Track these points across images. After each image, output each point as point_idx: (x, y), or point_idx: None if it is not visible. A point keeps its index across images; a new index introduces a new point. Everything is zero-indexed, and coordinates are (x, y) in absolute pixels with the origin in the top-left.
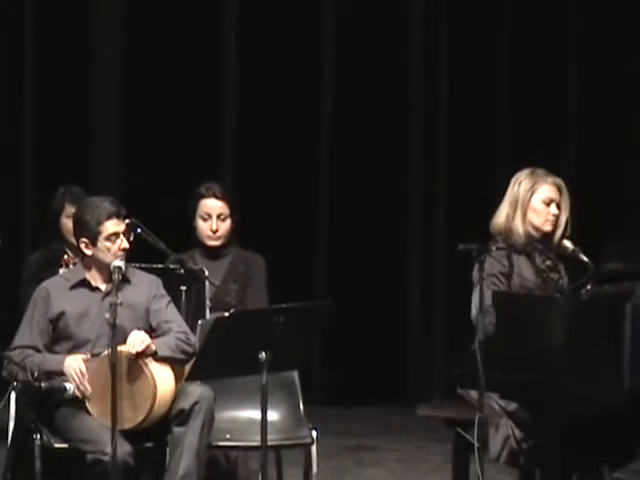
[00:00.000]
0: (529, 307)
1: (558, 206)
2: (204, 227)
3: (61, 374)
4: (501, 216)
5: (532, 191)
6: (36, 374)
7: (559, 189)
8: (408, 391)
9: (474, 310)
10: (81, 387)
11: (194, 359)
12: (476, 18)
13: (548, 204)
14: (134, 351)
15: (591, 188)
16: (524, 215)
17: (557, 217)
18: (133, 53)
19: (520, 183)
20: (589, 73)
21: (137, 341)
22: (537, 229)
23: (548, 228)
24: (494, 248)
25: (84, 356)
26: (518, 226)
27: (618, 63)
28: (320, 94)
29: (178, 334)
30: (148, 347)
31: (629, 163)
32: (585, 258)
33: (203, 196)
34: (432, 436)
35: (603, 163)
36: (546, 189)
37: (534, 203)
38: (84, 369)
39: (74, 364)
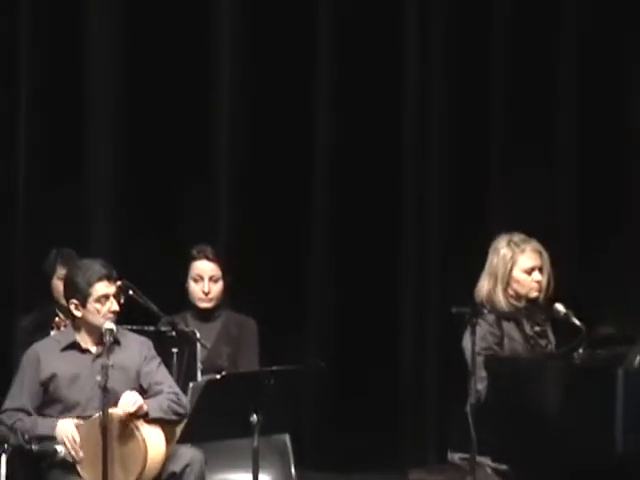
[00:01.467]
0: (521, 370)
1: (540, 271)
2: (196, 289)
3: (52, 439)
4: (483, 289)
5: (512, 262)
6: (27, 437)
7: (539, 253)
8: (401, 456)
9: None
10: (72, 453)
11: (185, 421)
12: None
13: (530, 272)
14: (127, 411)
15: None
16: (505, 287)
17: (541, 282)
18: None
19: (499, 254)
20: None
21: (130, 402)
22: (521, 298)
23: (534, 295)
24: (486, 311)
25: (76, 421)
26: (500, 299)
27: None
28: (308, 155)
29: (169, 395)
30: (140, 408)
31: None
32: (577, 322)
33: (195, 258)
34: None
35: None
36: (527, 258)
37: (516, 274)
38: (76, 435)
39: (66, 430)
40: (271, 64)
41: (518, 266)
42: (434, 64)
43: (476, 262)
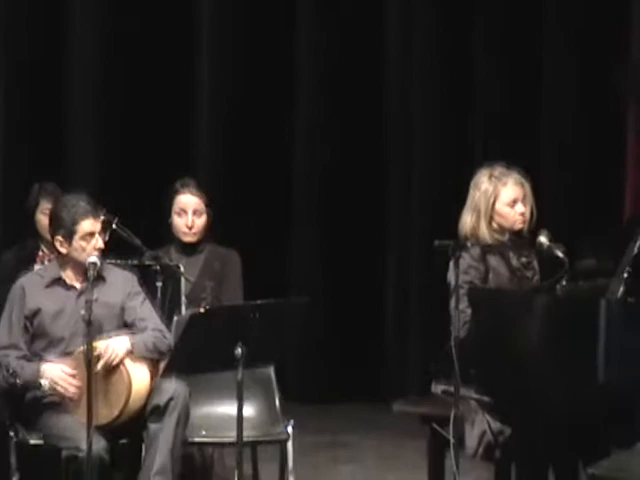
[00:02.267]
0: (504, 303)
1: (523, 202)
2: (179, 223)
3: (38, 385)
4: (466, 224)
5: (495, 196)
6: (11, 371)
7: (521, 185)
8: (384, 387)
9: (452, 310)
10: (69, 390)
11: (170, 355)
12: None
13: (513, 205)
14: (107, 365)
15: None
16: (489, 222)
17: (524, 214)
18: (109, 47)
19: (480, 188)
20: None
21: (113, 353)
22: (506, 231)
23: (519, 227)
24: (469, 244)
25: (61, 366)
26: (484, 233)
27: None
28: (294, 86)
29: (154, 332)
30: (126, 352)
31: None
32: (560, 254)
33: (178, 192)
34: (408, 432)
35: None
36: (509, 191)
37: (499, 208)
38: (67, 369)
39: (54, 372)
40: (246, 56)
41: (500, 199)
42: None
43: (462, 194)
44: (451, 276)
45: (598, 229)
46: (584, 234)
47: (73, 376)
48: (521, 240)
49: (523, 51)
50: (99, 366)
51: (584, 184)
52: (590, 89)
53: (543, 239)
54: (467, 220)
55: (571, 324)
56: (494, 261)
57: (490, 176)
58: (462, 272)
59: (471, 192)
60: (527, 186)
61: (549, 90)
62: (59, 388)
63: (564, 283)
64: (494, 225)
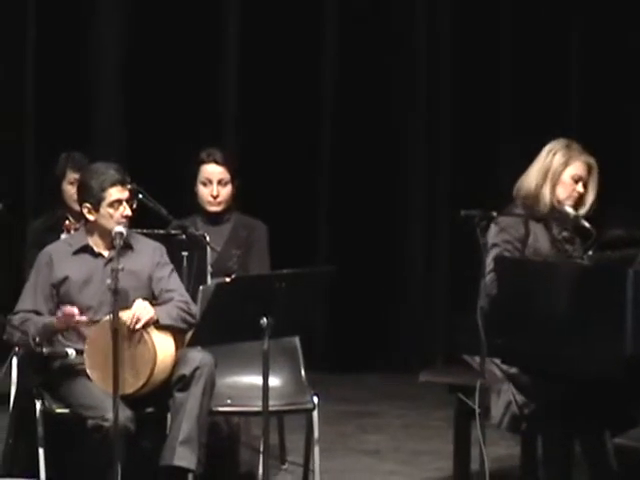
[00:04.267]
0: (530, 271)
1: (585, 185)
2: (205, 193)
3: (64, 355)
4: (529, 182)
5: (565, 165)
6: (38, 339)
7: (589, 169)
8: (410, 357)
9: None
10: (82, 318)
11: (196, 325)
12: None
13: (576, 181)
14: (134, 327)
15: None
16: (554, 187)
17: (581, 195)
18: (135, 16)
19: (555, 154)
20: (591, 44)
21: (140, 315)
22: (560, 203)
23: (569, 203)
24: (495, 214)
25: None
26: (546, 196)
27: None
28: (322, 60)
29: (180, 303)
30: (150, 318)
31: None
32: (587, 224)
33: (204, 162)
34: (434, 402)
35: (606, 131)
36: (578, 166)
37: (564, 177)
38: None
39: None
40: (275, 26)
41: (569, 170)
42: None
43: (483, 168)
44: (480, 243)
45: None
46: (612, 204)
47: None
48: (568, 217)
49: None
50: (125, 329)
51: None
52: None
53: (569, 208)
54: (532, 179)
55: (598, 294)
56: (536, 229)
57: (568, 146)
58: (500, 230)
59: (544, 154)
60: (595, 174)
61: None
62: (69, 350)
63: (591, 253)
64: (556, 193)
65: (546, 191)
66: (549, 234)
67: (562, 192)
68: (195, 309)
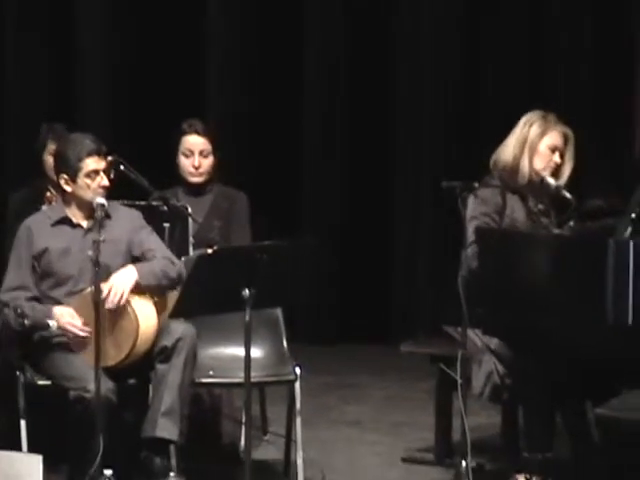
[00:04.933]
0: (511, 243)
1: (562, 155)
2: (186, 164)
3: (46, 326)
4: (507, 154)
5: (542, 135)
6: (19, 311)
7: (566, 138)
8: (392, 328)
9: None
10: (82, 335)
11: (177, 296)
12: None
13: (553, 151)
14: (112, 305)
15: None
16: (531, 157)
17: (558, 166)
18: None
19: (532, 125)
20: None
21: (117, 289)
22: (537, 173)
23: (546, 174)
24: (476, 185)
25: (70, 310)
26: (525, 167)
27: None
28: (305, 34)
29: (162, 260)
30: (129, 289)
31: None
32: (568, 195)
33: (185, 132)
34: (416, 373)
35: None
36: (554, 135)
37: (541, 147)
38: (77, 320)
39: (65, 317)
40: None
41: (544, 140)
42: None
43: (469, 135)
44: (461, 215)
45: (606, 169)
46: (591, 174)
47: (83, 323)
48: (544, 189)
49: None
50: (106, 305)
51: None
52: None
53: (551, 179)
54: (510, 150)
55: (579, 264)
56: (512, 200)
57: (544, 117)
58: (479, 203)
59: (520, 126)
60: (571, 145)
61: None
62: (69, 334)
63: (572, 224)
64: (533, 163)
65: (524, 162)
66: (525, 206)
67: (539, 162)
68: (179, 265)
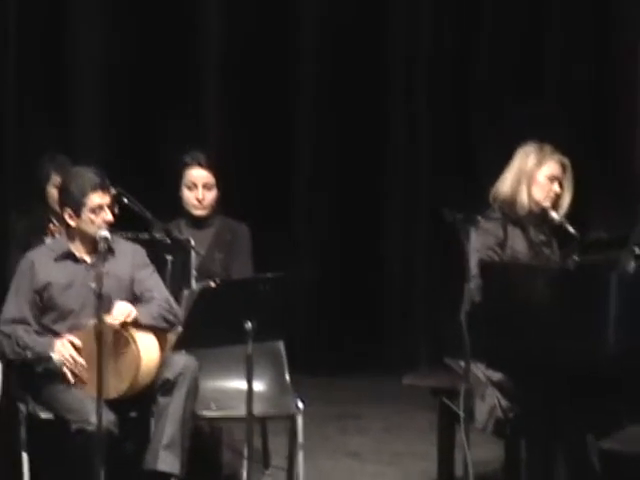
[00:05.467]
0: (515, 276)
1: (561, 185)
2: (190, 196)
3: (48, 359)
4: (505, 186)
5: (539, 165)
6: (21, 343)
7: (564, 168)
8: (394, 360)
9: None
10: (76, 370)
11: (180, 329)
12: None
13: (552, 181)
14: (119, 320)
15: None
16: (529, 188)
17: (558, 195)
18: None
19: (528, 156)
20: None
21: (122, 312)
22: (537, 204)
23: (547, 204)
24: (479, 218)
25: (72, 338)
26: (523, 198)
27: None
28: (300, 55)
29: (161, 302)
30: (133, 318)
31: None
32: (571, 228)
33: (188, 165)
34: (418, 405)
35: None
36: (552, 166)
37: (539, 177)
38: (76, 355)
39: (64, 351)
40: (256, 27)
41: (543, 170)
42: None
43: (465, 165)
44: (464, 247)
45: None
46: (594, 208)
47: (79, 351)
48: (545, 220)
49: None
50: (109, 335)
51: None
52: None
53: (554, 214)
54: (508, 183)
55: (582, 297)
56: (513, 233)
57: (540, 147)
58: (481, 236)
59: (517, 157)
60: (569, 174)
61: None
62: (67, 364)
63: (575, 257)
64: (532, 194)
65: (523, 193)
66: (526, 237)
67: (538, 193)
68: (177, 308)
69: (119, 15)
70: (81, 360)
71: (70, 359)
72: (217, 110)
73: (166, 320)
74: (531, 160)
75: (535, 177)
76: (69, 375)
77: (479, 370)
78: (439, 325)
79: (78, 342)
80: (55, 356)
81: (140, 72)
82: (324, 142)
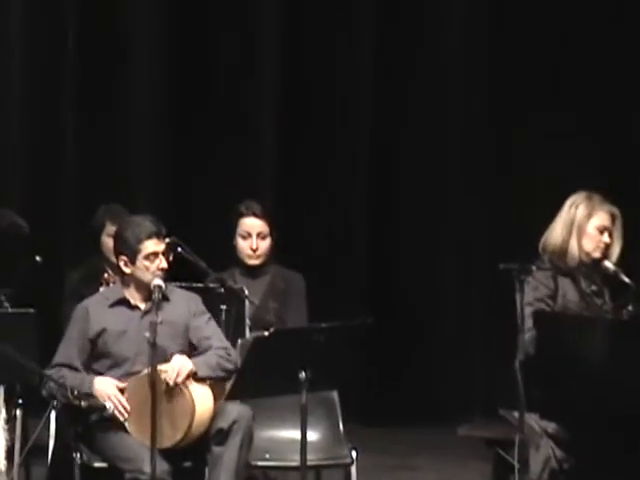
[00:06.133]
0: (570, 327)
1: (610, 235)
2: (244, 246)
3: (102, 408)
4: (555, 237)
5: (589, 216)
6: (76, 392)
7: (613, 218)
8: (448, 411)
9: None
10: (118, 409)
11: (234, 378)
12: None
13: (602, 232)
14: (173, 383)
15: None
16: (579, 239)
17: (608, 245)
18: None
19: (577, 207)
20: None
21: (178, 370)
22: (588, 255)
23: (597, 255)
24: (534, 268)
25: (114, 381)
26: (574, 249)
27: None
28: (358, 112)
29: (218, 350)
30: (189, 373)
31: None
32: (626, 279)
33: (243, 215)
34: (472, 456)
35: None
36: (602, 216)
37: (589, 229)
38: (118, 393)
39: (105, 387)
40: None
41: (592, 221)
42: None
43: (522, 215)
44: (517, 298)
45: None
46: None
47: (122, 391)
48: (594, 268)
49: None
50: (167, 380)
51: None
52: None
53: (609, 263)
54: (558, 233)
55: (637, 348)
56: (564, 283)
57: (589, 198)
58: (532, 289)
59: (566, 208)
60: (619, 224)
61: None
62: (108, 403)
63: (630, 307)
64: (582, 245)
65: (573, 244)
66: (577, 288)
67: (588, 244)
68: (235, 355)
69: (173, 66)
70: (121, 397)
71: (113, 396)
72: (272, 159)
73: (224, 369)
74: (580, 211)
75: (585, 228)
76: (115, 412)
77: (533, 421)
78: (494, 376)
79: (121, 385)
80: (109, 405)
81: (194, 118)
82: (381, 192)
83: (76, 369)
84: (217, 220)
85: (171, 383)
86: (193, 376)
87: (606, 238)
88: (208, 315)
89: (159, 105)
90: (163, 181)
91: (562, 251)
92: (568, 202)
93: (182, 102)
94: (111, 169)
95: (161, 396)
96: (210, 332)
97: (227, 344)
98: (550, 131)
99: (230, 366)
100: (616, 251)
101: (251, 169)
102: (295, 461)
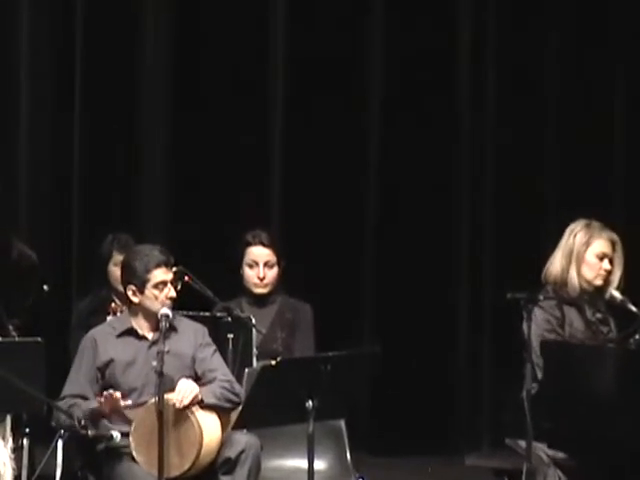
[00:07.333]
0: (577, 356)
1: (611, 261)
2: (251, 275)
3: (109, 437)
4: (555, 267)
5: (587, 244)
6: (83, 422)
7: (613, 245)
8: (456, 440)
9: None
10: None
11: (241, 407)
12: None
13: (601, 259)
14: (181, 405)
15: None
16: (579, 267)
17: (609, 272)
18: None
19: (575, 235)
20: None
21: (185, 393)
22: (589, 283)
23: (599, 282)
24: (542, 298)
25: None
26: (574, 278)
27: None
28: (366, 140)
29: (223, 383)
30: (196, 397)
31: None
32: (634, 308)
33: (250, 244)
34: None
35: None
36: (601, 244)
37: (588, 257)
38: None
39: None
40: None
41: (591, 249)
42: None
43: (532, 248)
44: (525, 328)
45: None
46: None
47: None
48: (599, 295)
49: None
50: (171, 411)
51: None
52: None
53: (616, 293)
54: (557, 263)
55: None
56: (570, 312)
57: (588, 225)
58: (543, 320)
59: (565, 237)
60: (619, 249)
61: None
62: (114, 432)
63: (637, 336)
64: (582, 273)
65: (573, 273)
66: (583, 317)
67: (588, 272)
68: (239, 388)
69: (180, 104)
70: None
71: (114, 402)
72: (280, 188)
73: (229, 400)
74: (579, 239)
75: (584, 257)
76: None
77: (541, 450)
78: (501, 405)
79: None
80: (116, 434)
81: (205, 150)
82: (389, 223)
83: (88, 399)
84: (224, 249)
85: (178, 405)
86: (199, 404)
87: (606, 265)
88: (214, 347)
89: (167, 131)
90: (169, 210)
91: (563, 281)
92: (567, 231)
93: (187, 124)
94: (117, 198)
95: (168, 425)
96: (215, 365)
97: (231, 377)
98: None
99: (235, 398)
100: (617, 277)
101: (258, 197)
102: None
